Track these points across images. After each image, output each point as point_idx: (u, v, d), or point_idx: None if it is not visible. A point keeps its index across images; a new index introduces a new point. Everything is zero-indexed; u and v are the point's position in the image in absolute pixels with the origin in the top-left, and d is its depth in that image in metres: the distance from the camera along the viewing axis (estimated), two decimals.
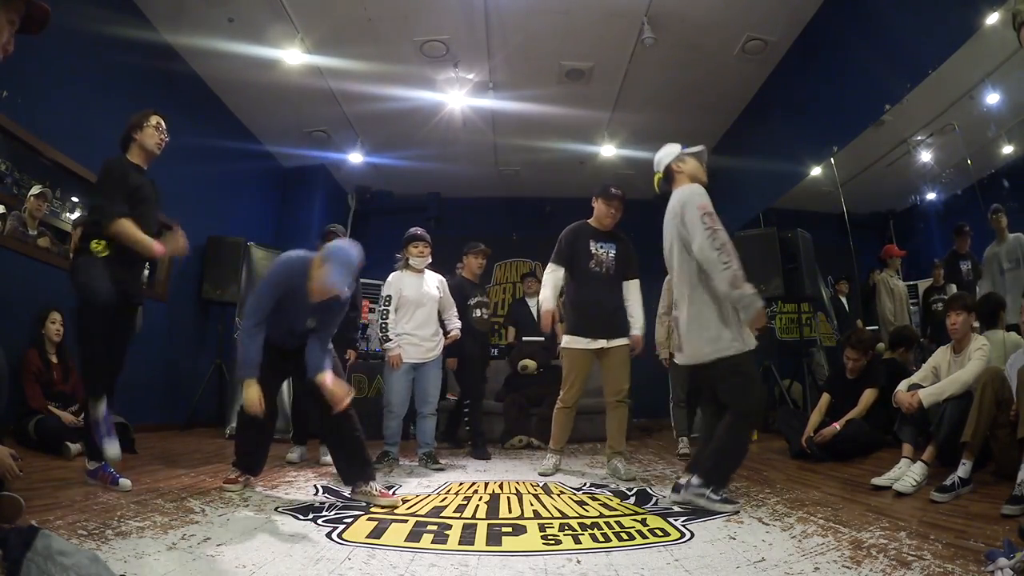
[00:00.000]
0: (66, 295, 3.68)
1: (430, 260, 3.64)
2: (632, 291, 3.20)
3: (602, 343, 3.05)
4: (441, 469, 3.35)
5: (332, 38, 4.92)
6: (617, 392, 3.08)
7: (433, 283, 3.63)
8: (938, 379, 2.70)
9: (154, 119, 2.63)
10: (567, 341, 3.13)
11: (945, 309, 2.83)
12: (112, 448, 2.36)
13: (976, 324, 2.84)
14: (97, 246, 2.40)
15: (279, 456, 3.60)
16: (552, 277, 3.20)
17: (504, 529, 1.92)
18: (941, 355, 2.82)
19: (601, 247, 3.13)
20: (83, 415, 2.64)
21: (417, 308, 3.53)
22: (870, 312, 5.03)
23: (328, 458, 3.46)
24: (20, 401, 3.17)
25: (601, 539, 1.80)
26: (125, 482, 2.32)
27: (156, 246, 2.49)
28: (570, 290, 3.19)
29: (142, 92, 4.52)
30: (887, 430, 3.19)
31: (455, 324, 3.69)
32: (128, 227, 2.41)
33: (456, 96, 5.50)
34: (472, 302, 4.13)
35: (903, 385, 2.75)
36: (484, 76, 5.42)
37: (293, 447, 3.57)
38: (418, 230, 3.66)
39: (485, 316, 4.24)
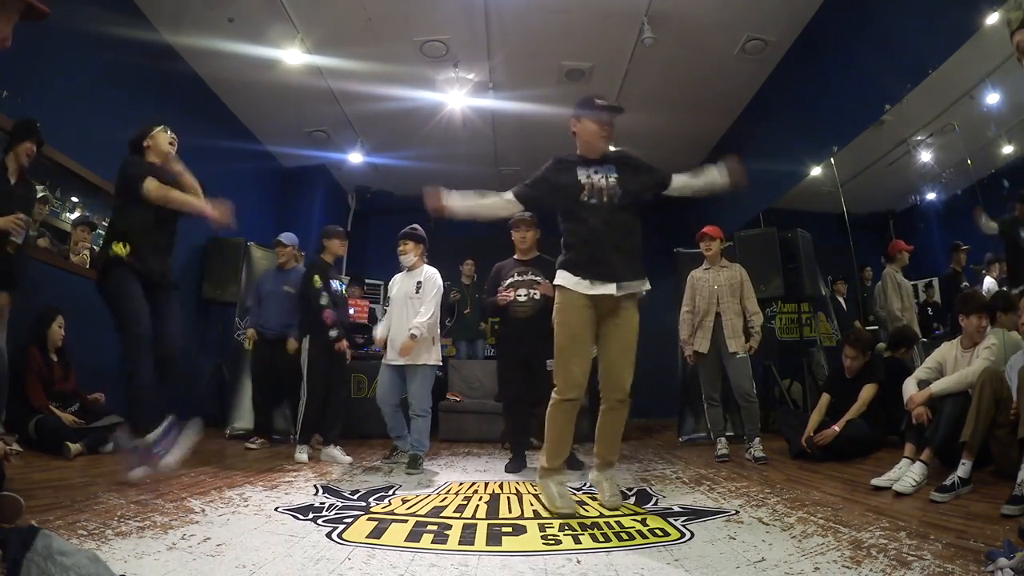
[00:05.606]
0: (66, 295, 3.72)
1: (413, 258, 3.47)
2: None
3: (611, 288, 2.19)
4: (416, 473, 3.14)
5: (332, 38, 4.93)
6: (618, 388, 2.30)
7: (414, 280, 3.45)
8: (943, 375, 2.70)
9: (157, 128, 2.76)
10: (559, 278, 2.29)
11: (967, 312, 2.70)
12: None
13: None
14: (121, 248, 2.46)
15: (279, 456, 3.60)
16: (492, 197, 2.51)
17: (504, 529, 1.92)
18: (948, 350, 2.80)
19: (595, 172, 2.30)
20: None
21: (395, 308, 3.45)
22: (869, 311, 5.02)
23: (328, 457, 3.48)
24: (20, 400, 3.17)
25: (601, 539, 1.80)
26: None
27: (204, 205, 2.63)
28: (564, 235, 2.37)
29: (142, 92, 4.52)
30: (887, 430, 3.19)
31: (414, 322, 3.31)
32: (158, 187, 2.54)
33: (456, 96, 5.50)
34: (507, 283, 3.41)
35: (911, 382, 2.75)
36: (484, 76, 5.43)
37: (300, 447, 3.56)
38: (408, 228, 3.58)
39: (524, 298, 3.37)
